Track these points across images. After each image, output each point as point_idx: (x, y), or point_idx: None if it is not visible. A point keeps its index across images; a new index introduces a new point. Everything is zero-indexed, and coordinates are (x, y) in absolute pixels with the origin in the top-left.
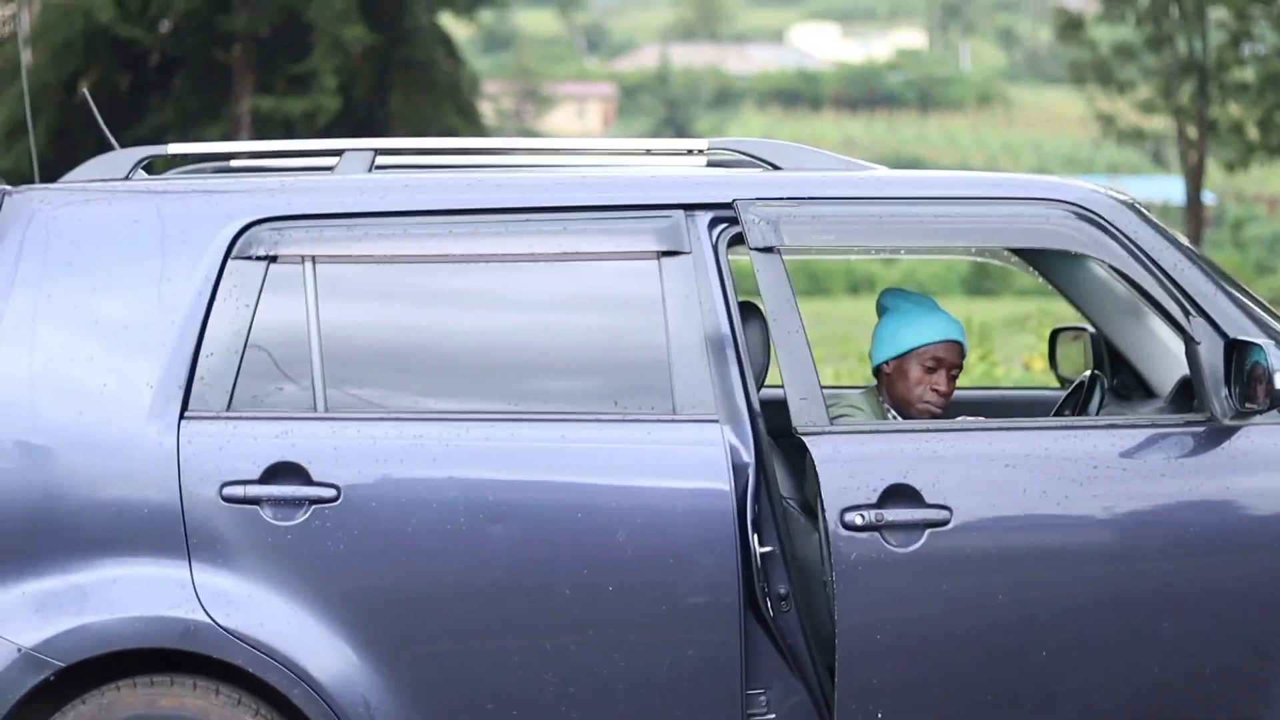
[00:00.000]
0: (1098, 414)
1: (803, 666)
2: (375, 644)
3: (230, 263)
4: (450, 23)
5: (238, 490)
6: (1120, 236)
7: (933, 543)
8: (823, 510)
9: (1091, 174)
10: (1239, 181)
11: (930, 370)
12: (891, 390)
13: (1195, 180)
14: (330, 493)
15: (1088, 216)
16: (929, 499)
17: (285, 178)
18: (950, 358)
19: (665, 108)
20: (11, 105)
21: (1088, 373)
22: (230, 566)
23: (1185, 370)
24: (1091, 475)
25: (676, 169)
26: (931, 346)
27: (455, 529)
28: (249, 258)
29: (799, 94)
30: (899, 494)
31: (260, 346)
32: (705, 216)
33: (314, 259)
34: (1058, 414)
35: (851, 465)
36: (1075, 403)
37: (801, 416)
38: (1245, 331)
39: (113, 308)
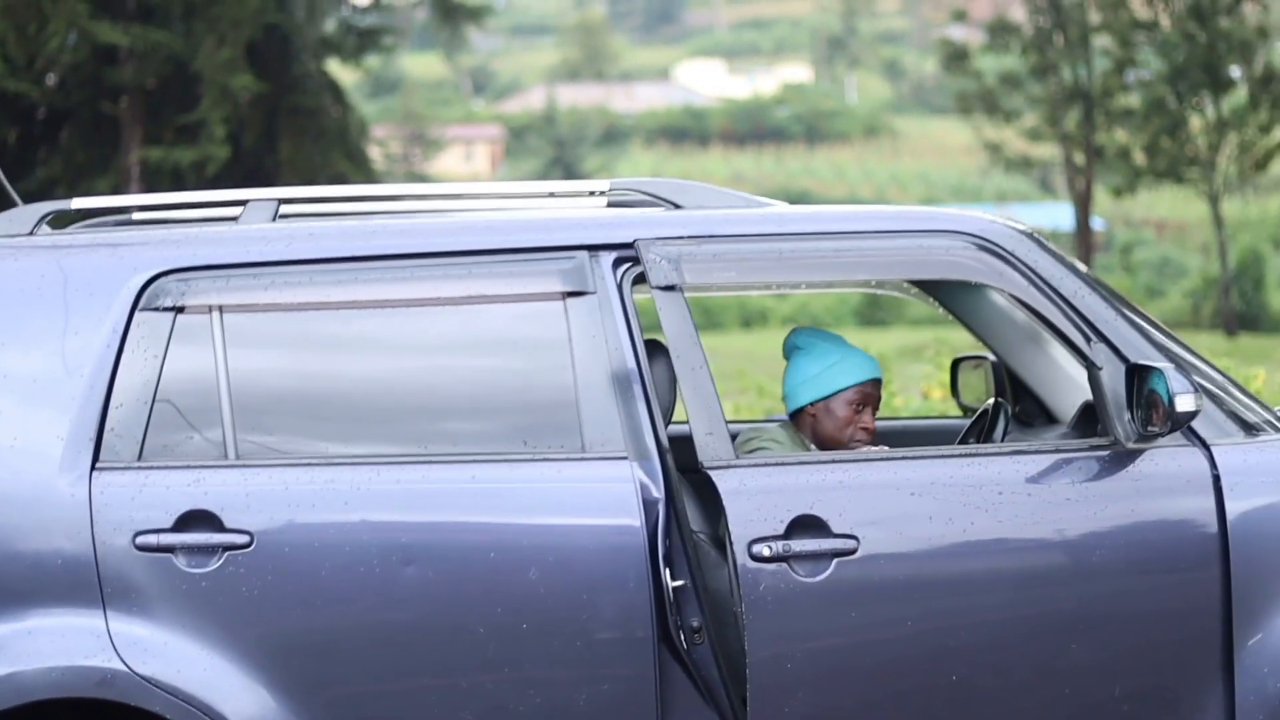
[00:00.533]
0: (1002, 441)
1: (718, 699)
2: (292, 688)
3: (137, 314)
4: (337, 69)
5: (151, 539)
6: (1020, 265)
7: (840, 572)
8: (730, 543)
9: (980, 203)
10: (1127, 206)
11: (858, 409)
12: (817, 430)
13: (1084, 206)
14: (243, 539)
15: (987, 247)
16: (836, 529)
17: (190, 229)
18: (874, 393)
19: (553, 148)
20: None
21: (991, 400)
22: (146, 615)
23: (1086, 396)
24: (997, 501)
25: (578, 210)
26: (858, 386)
27: (368, 571)
28: (156, 309)
29: (686, 130)
30: (806, 524)
31: (170, 397)
32: (609, 256)
33: (221, 308)
34: (962, 442)
35: (758, 497)
36: (979, 430)
37: (707, 451)
38: (1145, 356)
39: (21, 362)
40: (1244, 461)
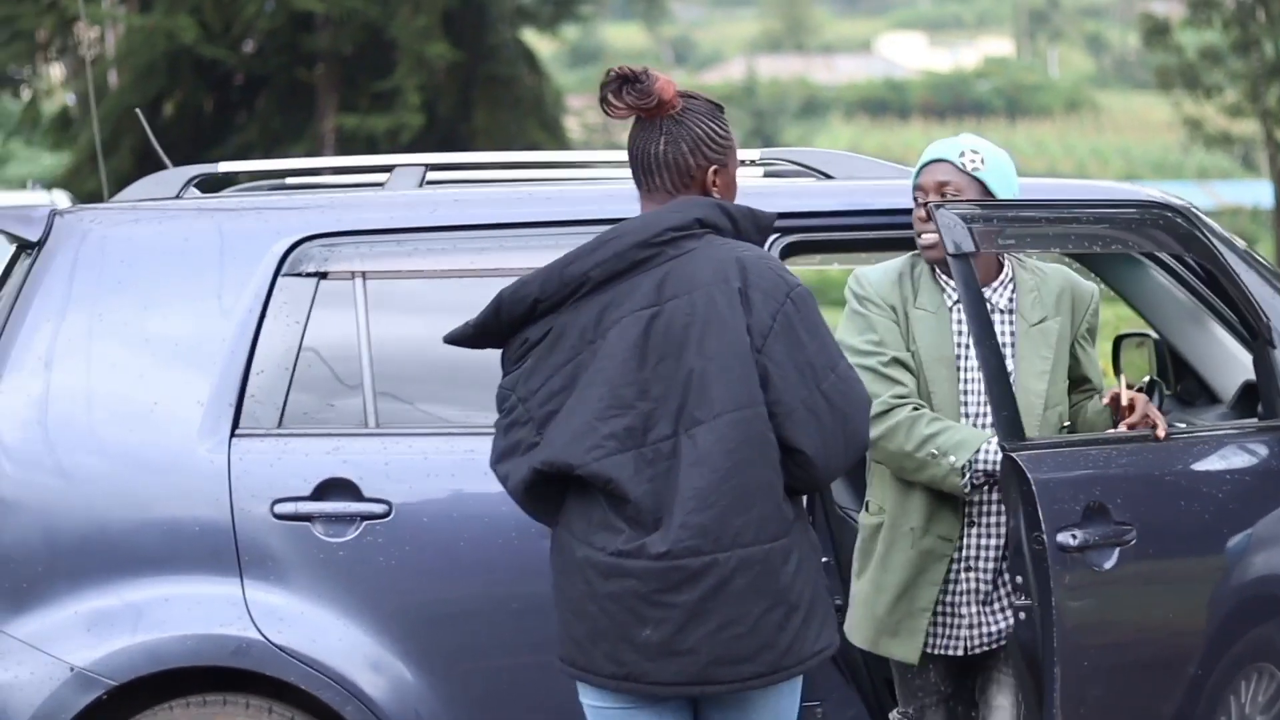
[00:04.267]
0: None
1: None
2: (428, 660)
3: (280, 279)
4: (533, 38)
5: (289, 507)
6: (1204, 239)
7: (1124, 561)
8: (1037, 532)
9: (1180, 179)
10: None
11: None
12: None
13: None
14: (381, 508)
15: (1175, 221)
16: (1116, 517)
17: (335, 194)
18: (930, 181)
19: (752, 119)
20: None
21: (1145, 379)
22: (282, 584)
23: (1247, 374)
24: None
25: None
26: (920, 177)
27: (507, 544)
28: (299, 274)
29: (886, 103)
30: (1093, 513)
31: (311, 363)
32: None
33: (364, 275)
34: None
35: (1058, 488)
36: None
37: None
38: None
39: (163, 326)
40: None
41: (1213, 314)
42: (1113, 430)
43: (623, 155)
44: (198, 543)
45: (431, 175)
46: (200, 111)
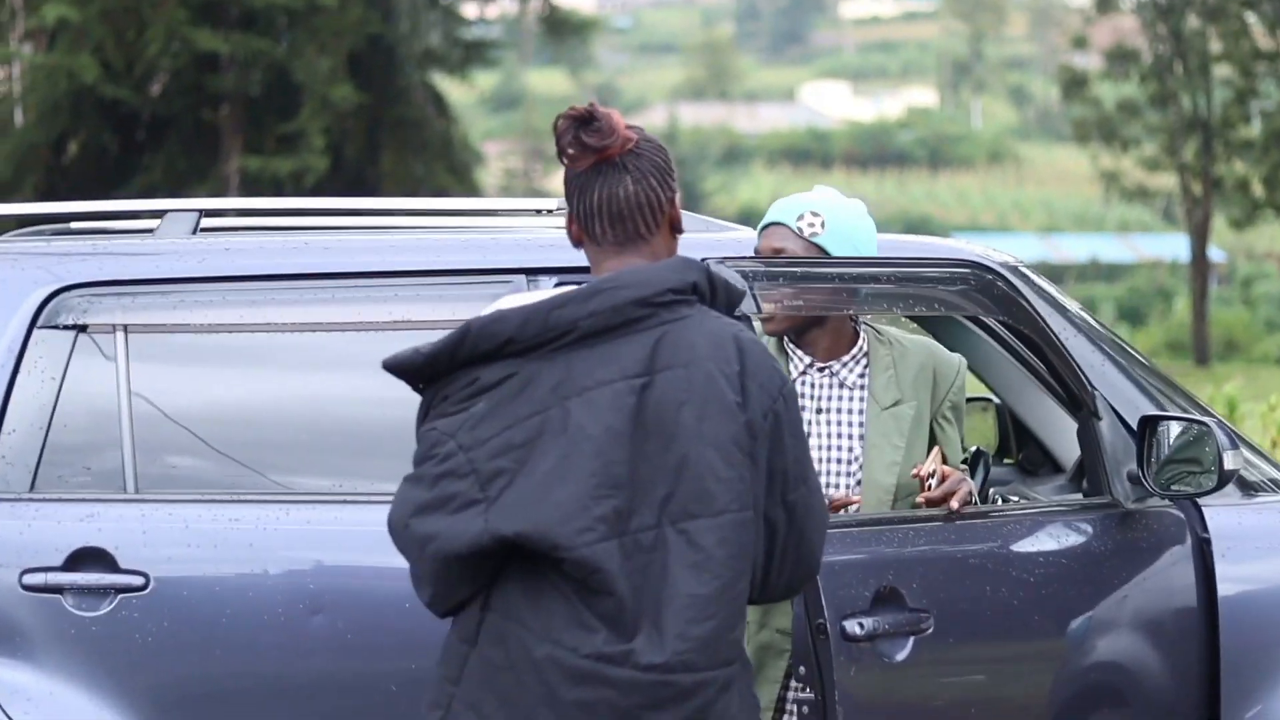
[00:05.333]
0: (980, 496)
1: None
2: None
3: (36, 331)
4: (446, 83)
5: (39, 578)
6: (1020, 301)
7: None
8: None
9: (1102, 231)
10: (1250, 239)
11: None
12: None
13: (1201, 237)
14: (138, 580)
15: (990, 281)
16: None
17: (99, 240)
18: (766, 245)
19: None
20: (0, 166)
21: (972, 449)
22: (30, 660)
23: None
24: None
25: (523, 231)
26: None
27: (273, 620)
28: (56, 326)
29: (809, 152)
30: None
31: (67, 422)
32: (550, 281)
33: (126, 328)
34: None
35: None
36: None
37: None
38: (1139, 405)
39: None
40: (1238, 524)
41: (1040, 381)
42: (915, 508)
43: (418, 203)
44: None
45: (209, 221)
46: (105, 151)
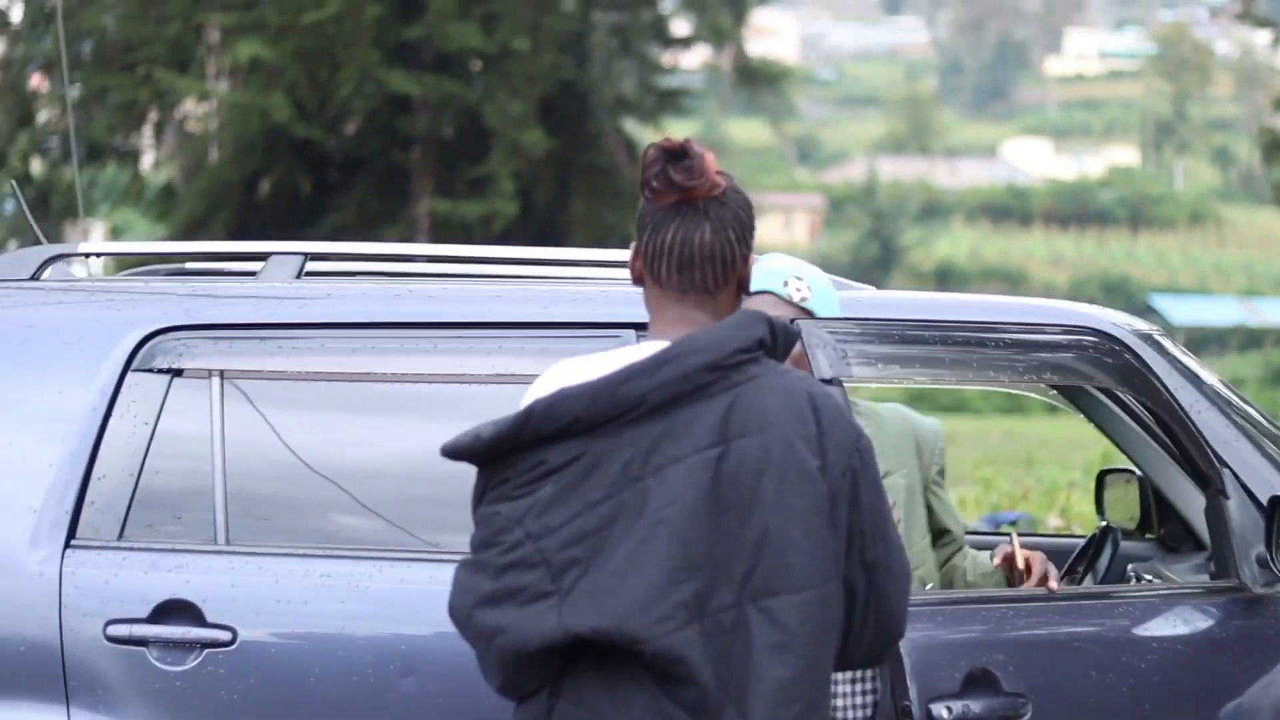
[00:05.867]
0: (1106, 574)
1: None
2: None
3: (130, 375)
4: (639, 130)
5: (124, 630)
6: (1146, 371)
7: None
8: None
9: None
10: None
11: None
12: None
13: None
14: (225, 636)
15: (1112, 348)
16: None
17: (199, 283)
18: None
19: (872, 220)
20: (193, 203)
21: (1101, 524)
22: (113, 714)
23: None
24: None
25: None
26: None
27: (362, 681)
28: (150, 370)
29: (1009, 209)
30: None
31: (159, 470)
32: None
33: (222, 373)
34: (1068, 572)
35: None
36: (1088, 558)
37: None
38: (1270, 486)
39: None
40: None
41: (1170, 455)
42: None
43: (536, 253)
44: (21, 664)
45: (315, 265)
46: (297, 191)
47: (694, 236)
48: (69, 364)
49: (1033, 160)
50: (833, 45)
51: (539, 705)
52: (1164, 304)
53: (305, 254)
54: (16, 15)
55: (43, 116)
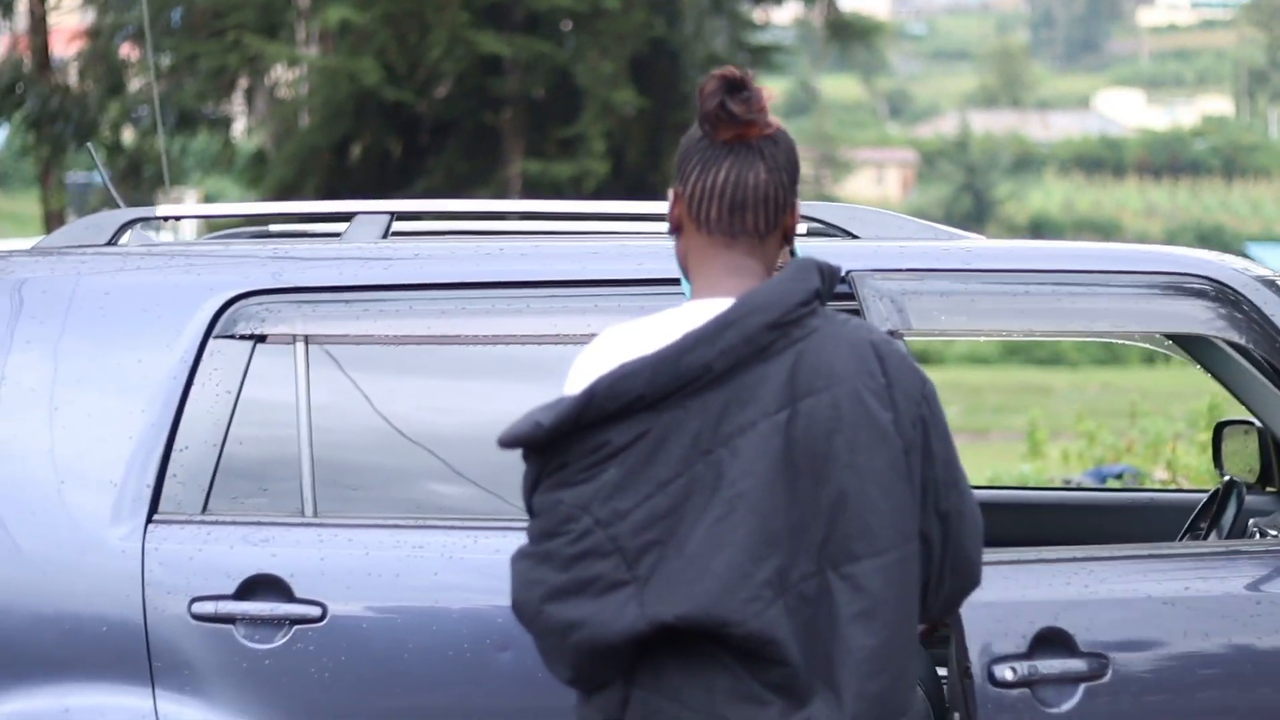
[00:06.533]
0: (1231, 527)
1: None
2: None
3: (211, 342)
4: None
5: (209, 607)
6: (1259, 317)
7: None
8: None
9: None
10: None
11: None
12: None
13: None
14: (315, 611)
15: (1221, 293)
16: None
17: (281, 244)
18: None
19: (964, 174)
20: (283, 168)
21: (1225, 479)
22: (199, 694)
23: None
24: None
25: None
26: None
27: (458, 656)
28: (232, 336)
29: (1101, 160)
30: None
31: (243, 440)
32: None
33: (307, 338)
34: (1190, 529)
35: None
36: (1211, 513)
37: None
38: None
39: (75, 391)
40: None
41: None
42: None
43: (626, 207)
44: (105, 644)
45: (401, 225)
46: (387, 154)
47: (748, 176)
48: (148, 331)
49: (1125, 112)
50: (924, 0)
51: (613, 695)
52: (1259, 252)
53: (391, 213)
54: None
55: (133, 85)
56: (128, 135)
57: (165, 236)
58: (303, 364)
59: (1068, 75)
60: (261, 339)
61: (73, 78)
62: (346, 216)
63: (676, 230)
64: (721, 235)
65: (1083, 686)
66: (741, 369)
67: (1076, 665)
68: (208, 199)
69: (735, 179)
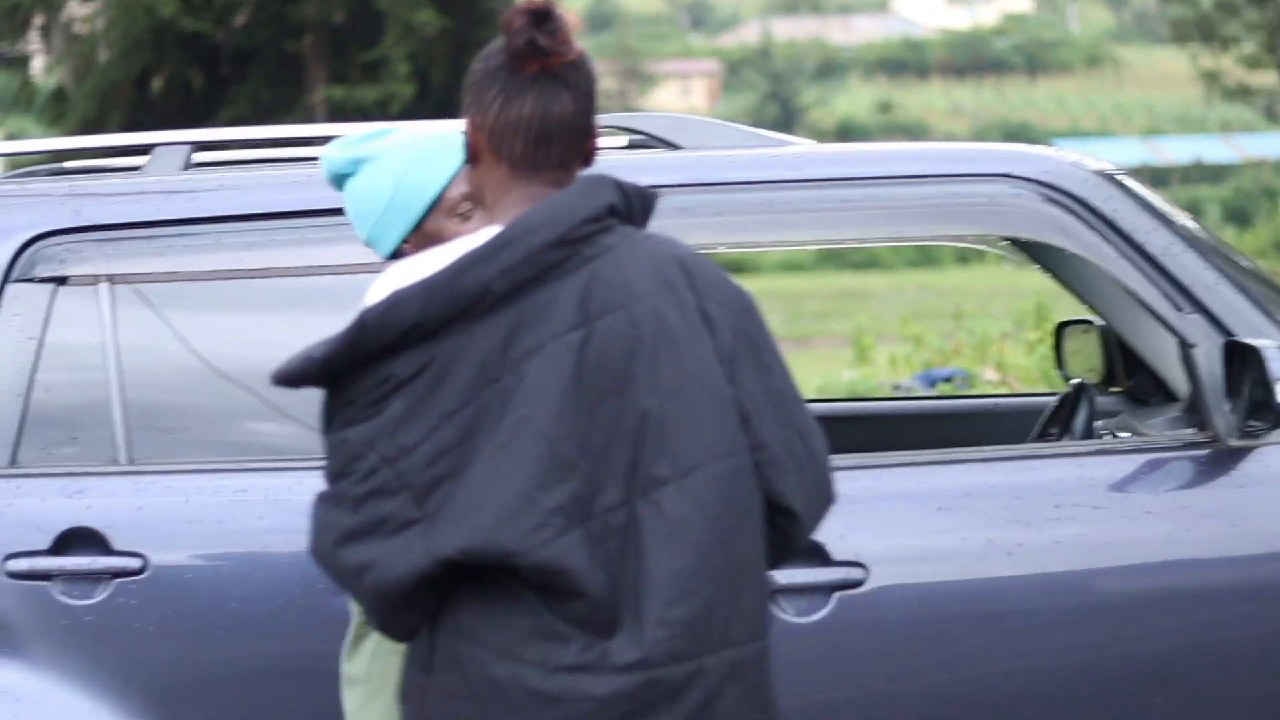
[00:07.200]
0: (1083, 432)
1: None
2: None
3: (9, 286)
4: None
5: (24, 564)
6: (1092, 216)
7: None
8: None
9: (1204, 133)
10: None
11: (467, 215)
12: None
13: None
14: (135, 563)
15: (1050, 195)
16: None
17: (78, 181)
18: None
19: (769, 82)
20: (84, 104)
21: (1074, 383)
22: (18, 655)
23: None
24: (1054, 516)
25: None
26: (455, 181)
27: (289, 604)
28: (32, 279)
29: (905, 63)
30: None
31: (49, 387)
32: None
33: (111, 279)
34: (1042, 433)
35: None
36: (1063, 419)
37: None
38: (1255, 330)
39: None
40: None
41: (1138, 302)
42: None
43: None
44: None
45: (202, 156)
46: (189, 86)
47: (554, 108)
48: None
49: (926, 13)
50: None
51: (421, 643)
52: (1067, 148)
53: (191, 143)
54: None
55: None
56: None
57: None
58: (108, 305)
59: None
60: (63, 281)
61: None
62: (146, 149)
63: (471, 161)
64: (523, 169)
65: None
66: (529, 290)
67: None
68: (9, 138)
69: (542, 112)
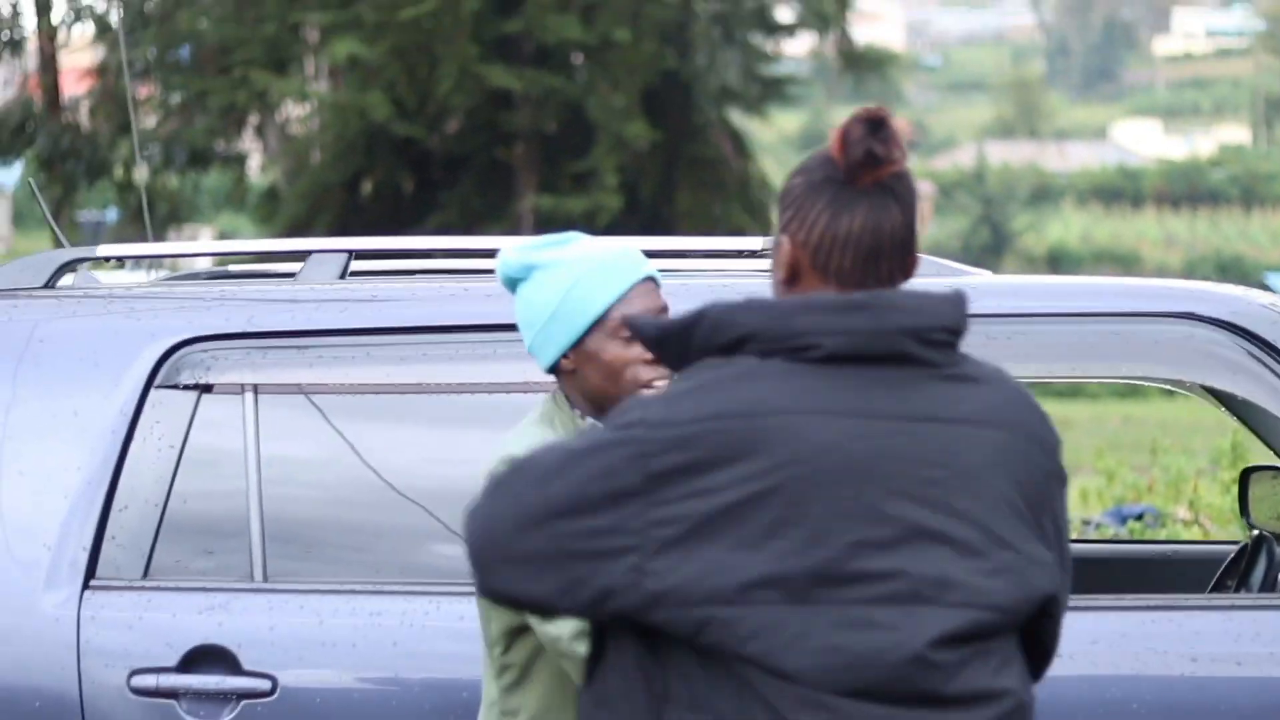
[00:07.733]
0: (1261, 587)
1: None
2: None
3: (153, 392)
4: (745, 120)
5: (150, 680)
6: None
7: None
8: None
9: None
10: None
11: (630, 339)
12: (584, 387)
13: None
14: (264, 685)
15: (1235, 337)
16: None
17: (228, 287)
18: (649, 303)
19: (981, 205)
20: (295, 205)
21: (1254, 533)
22: None
23: None
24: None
25: (733, 276)
26: (623, 301)
27: None
28: (176, 386)
29: (1119, 191)
30: None
31: (187, 498)
32: None
33: (256, 388)
34: (1217, 584)
35: None
36: (1239, 572)
37: None
38: None
39: (6, 448)
40: None
41: None
42: None
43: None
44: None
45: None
46: (400, 190)
47: (884, 221)
48: (85, 381)
49: (1142, 141)
50: (938, 30)
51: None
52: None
53: (349, 251)
54: (115, 20)
55: (145, 123)
56: (139, 174)
57: (139, 277)
58: (251, 415)
59: (1084, 105)
60: (207, 388)
61: (83, 116)
62: (304, 255)
63: (789, 281)
64: (852, 286)
65: None
66: (858, 368)
67: None
68: (221, 236)
69: (874, 225)
